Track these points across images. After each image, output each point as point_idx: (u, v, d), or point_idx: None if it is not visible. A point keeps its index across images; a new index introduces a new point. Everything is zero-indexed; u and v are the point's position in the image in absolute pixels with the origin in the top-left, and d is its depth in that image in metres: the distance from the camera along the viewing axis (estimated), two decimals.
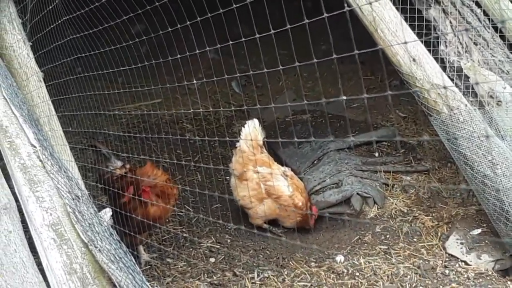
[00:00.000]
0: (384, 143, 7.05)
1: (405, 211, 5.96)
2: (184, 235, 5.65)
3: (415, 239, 5.51)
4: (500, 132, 5.08)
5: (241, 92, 8.46)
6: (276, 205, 5.57)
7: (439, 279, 4.91)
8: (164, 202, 4.73)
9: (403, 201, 6.10)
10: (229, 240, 5.63)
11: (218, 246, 5.53)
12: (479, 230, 5.29)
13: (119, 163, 5.20)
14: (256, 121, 5.68)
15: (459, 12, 5.44)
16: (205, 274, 5.06)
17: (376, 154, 6.86)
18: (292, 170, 6.01)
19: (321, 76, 8.16)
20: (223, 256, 5.36)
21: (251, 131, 5.63)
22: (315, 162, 6.59)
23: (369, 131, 7.15)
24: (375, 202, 6.02)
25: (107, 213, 2.94)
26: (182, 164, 6.16)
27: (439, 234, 5.52)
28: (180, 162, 4.50)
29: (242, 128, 5.73)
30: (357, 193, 5.97)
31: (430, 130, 7.33)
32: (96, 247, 2.40)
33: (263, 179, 5.55)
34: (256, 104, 7.99)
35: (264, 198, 5.57)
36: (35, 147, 2.84)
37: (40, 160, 2.79)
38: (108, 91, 4.83)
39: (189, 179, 6.40)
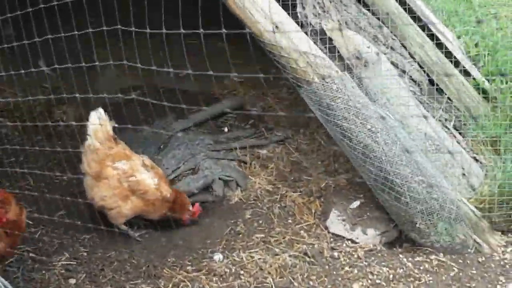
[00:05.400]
0: (230, 115, 6.49)
1: (271, 189, 5.49)
2: (31, 255, 4.68)
3: (290, 220, 5.07)
4: (371, 95, 4.73)
5: (53, 73, 7.27)
6: (142, 201, 4.78)
7: (329, 264, 4.52)
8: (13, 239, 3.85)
9: (265, 178, 5.61)
10: (85, 254, 4.75)
11: (74, 263, 4.63)
12: (358, 202, 4.97)
13: None
14: (101, 110, 4.78)
15: None
16: None
17: (226, 129, 6.29)
18: None
19: (145, 45, 7.28)
20: (84, 275, 4.48)
21: (100, 124, 4.74)
22: (162, 146, 5.85)
23: (212, 104, 6.49)
24: (237, 185, 5.47)
25: None
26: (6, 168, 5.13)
27: (313, 210, 5.13)
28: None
29: (88, 122, 4.79)
30: (219, 178, 5.37)
31: (271, 94, 6.94)
32: None
33: (124, 175, 4.72)
34: (74, 85, 6.94)
35: (129, 196, 4.75)
36: None
37: None
38: None
39: (19, 185, 5.30)
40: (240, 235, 4.93)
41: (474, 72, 5.54)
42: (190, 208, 5.03)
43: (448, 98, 5.23)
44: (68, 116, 6.58)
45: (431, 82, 5.23)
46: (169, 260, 4.66)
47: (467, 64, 5.50)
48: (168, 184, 4.99)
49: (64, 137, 6.04)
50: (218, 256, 4.66)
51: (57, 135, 6.08)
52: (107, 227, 4.56)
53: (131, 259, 4.70)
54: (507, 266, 4.41)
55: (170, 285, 4.35)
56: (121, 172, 4.74)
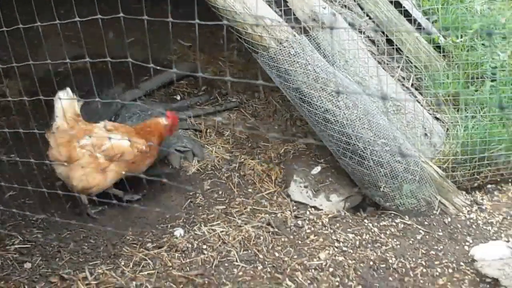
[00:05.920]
0: (182, 82, 6.23)
1: (228, 158, 5.32)
2: None
3: (250, 190, 4.94)
4: (329, 57, 4.58)
5: None
6: (123, 163, 4.56)
7: (294, 233, 4.42)
8: None
9: (222, 146, 5.44)
10: (40, 235, 4.47)
11: (29, 246, 4.37)
12: (319, 168, 4.86)
13: None
14: (68, 90, 4.45)
15: None
16: (25, 286, 3.95)
17: (178, 97, 6.04)
18: None
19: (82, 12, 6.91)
20: (39, 258, 4.23)
21: (68, 105, 4.42)
22: (113, 119, 5.57)
23: (163, 72, 6.17)
24: (194, 155, 5.27)
25: None
26: None
27: (273, 178, 5.00)
28: None
29: (55, 103, 4.43)
30: (175, 149, 5.16)
31: (222, 58, 6.72)
32: None
33: (95, 148, 4.44)
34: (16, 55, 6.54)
35: (107, 166, 4.49)
36: None
37: None
38: None
39: None
40: (200, 208, 4.76)
41: (430, 27, 5.43)
42: (166, 122, 4.83)
43: (406, 56, 5.12)
44: (11, 90, 6.21)
45: (388, 41, 5.10)
46: (128, 237, 4.45)
47: (423, 21, 5.37)
48: (137, 135, 4.72)
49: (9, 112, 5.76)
50: (179, 231, 4.48)
51: (2, 110, 5.77)
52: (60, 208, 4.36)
53: (89, 238, 4.46)
54: (474, 226, 4.39)
55: (131, 264, 4.15)
56: (90, 147, 4.46)
